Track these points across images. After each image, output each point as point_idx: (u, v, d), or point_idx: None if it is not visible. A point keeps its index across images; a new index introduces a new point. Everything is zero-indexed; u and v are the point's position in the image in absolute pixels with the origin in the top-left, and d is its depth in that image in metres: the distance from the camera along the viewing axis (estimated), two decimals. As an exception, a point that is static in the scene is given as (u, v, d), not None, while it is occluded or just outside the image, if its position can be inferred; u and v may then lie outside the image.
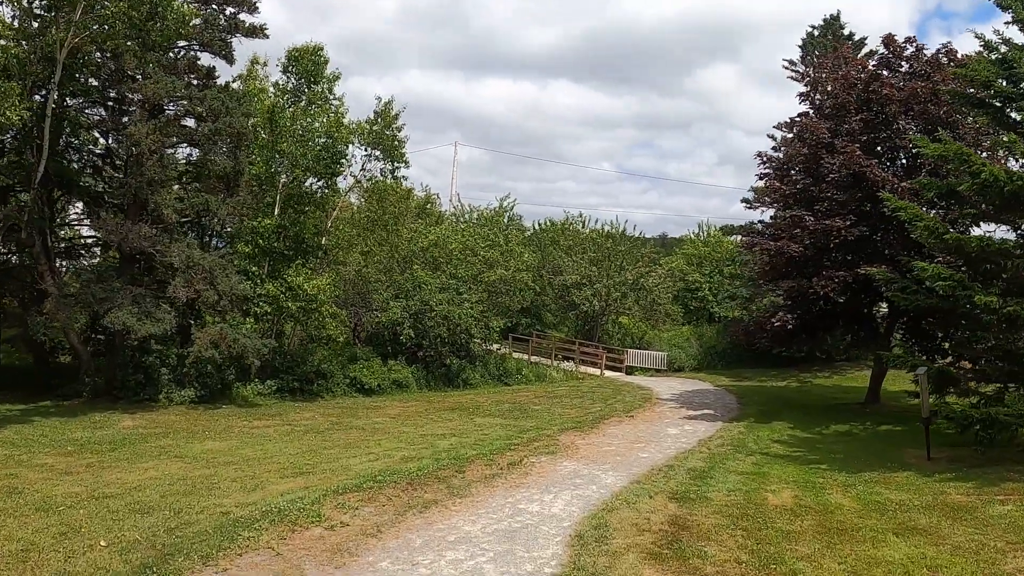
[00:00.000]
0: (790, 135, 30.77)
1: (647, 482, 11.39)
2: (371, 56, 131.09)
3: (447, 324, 25.63)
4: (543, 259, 35.63)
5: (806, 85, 22.29)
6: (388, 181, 25.67)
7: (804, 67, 33.98)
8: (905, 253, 16.98)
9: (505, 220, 36.26)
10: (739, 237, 38.90)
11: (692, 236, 44.29)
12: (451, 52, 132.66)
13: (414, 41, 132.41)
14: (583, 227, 37.15)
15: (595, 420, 18.07)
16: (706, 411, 20.18)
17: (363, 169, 25.97)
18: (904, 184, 17.00)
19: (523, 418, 18.67)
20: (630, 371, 32.62)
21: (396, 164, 25.92)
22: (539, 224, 39.72)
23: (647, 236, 36.67)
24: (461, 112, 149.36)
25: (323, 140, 23.32)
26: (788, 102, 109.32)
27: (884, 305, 20.46)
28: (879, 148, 18.97)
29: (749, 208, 33.71)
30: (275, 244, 23.26)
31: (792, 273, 18.81)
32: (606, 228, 36.18)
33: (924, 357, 16.64)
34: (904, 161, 18.74)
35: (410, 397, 23.86)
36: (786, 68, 34.62)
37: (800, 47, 33.91)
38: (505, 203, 40.72)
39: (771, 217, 28.94)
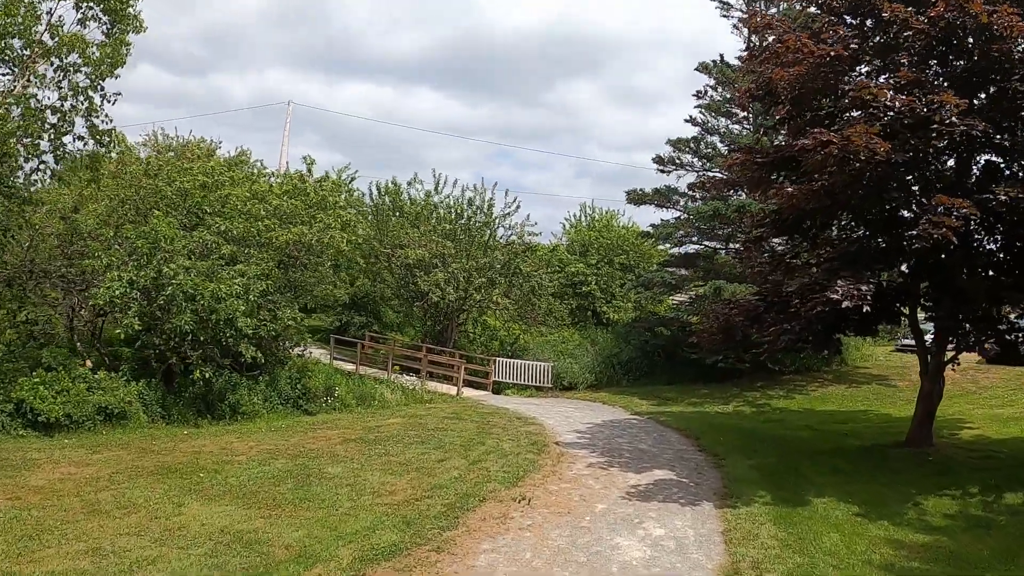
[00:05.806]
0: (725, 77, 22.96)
1: None
2: (231, 52, 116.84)
3: (195, 310, 14.67)
4: (380, 230, 25.18)
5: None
6: (99, 44, 14.02)
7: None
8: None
9: (342, 196, 25.05)
10: (648, 229, 30.52)
11: (573, 219, 35.28)
12: (311, 52, 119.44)
13: (275, 39, 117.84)
14: (436, 190, 26.78)
15: (449, 513, 8.12)
16: (660, 474, 10.73)
17: (51, 22, 14.20)
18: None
19: (292, 507, 8.34)
20: (499, 389, 23.06)
21: (117, 25, 14.45)
22: (378, 187, 28.86)
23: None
24: (319, 114, 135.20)
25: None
26: (649, 121, 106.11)
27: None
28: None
29: (663, 172, 25.60)
30: None
31: (848, 201, 9.68)
32: (468, 193, 26.08)
33: None
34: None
35: (116, 440, 13.45)
36: (713, -1, 26.72)
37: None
38: (344, 174, 30.61)
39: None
